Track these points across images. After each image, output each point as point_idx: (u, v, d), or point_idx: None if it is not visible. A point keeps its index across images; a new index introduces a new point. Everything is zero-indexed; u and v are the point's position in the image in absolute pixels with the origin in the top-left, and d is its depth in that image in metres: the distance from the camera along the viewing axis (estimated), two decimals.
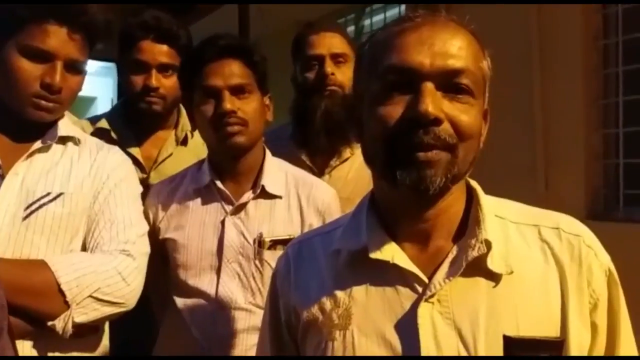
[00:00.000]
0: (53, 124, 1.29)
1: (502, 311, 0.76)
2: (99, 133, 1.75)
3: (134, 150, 1.79)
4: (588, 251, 0.79)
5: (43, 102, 1.22)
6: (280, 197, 1.46)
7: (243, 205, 1.44)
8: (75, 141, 1.32)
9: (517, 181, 2.43)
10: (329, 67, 1.73)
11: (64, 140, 1.30)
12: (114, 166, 1.32)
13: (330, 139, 1.74)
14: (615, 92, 2.33)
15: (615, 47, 2.32)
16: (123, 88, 1.93)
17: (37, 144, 1.26)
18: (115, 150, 1.39)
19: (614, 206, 2.33)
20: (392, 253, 0.79)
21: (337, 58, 1.74)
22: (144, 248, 1.30)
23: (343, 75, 1.73)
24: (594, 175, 2.35)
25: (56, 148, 1.29)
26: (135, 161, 1.68)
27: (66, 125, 1.32)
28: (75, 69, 1.25)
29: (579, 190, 2.33)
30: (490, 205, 0.82)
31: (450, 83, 0.75)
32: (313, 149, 1.76)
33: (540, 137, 2.43)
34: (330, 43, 1.74)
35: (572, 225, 0.82)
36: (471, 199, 0.83)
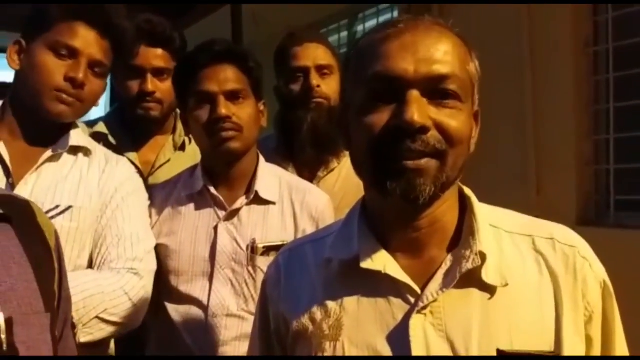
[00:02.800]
0: (65, 131, 1.29)
1: (496, 324, 0.75)
2: (96, 137, 1.74)
3: (132, 156, 1.78)
4: (583, 262, 0.78)
5: (64, 96, 1.23)
6: (274, 203, 1.45)
7: (236, 211, 1.44)
8: (86, 152, 1.33)
9: (509, 187, 2.44)
10: (315, 79, 1.70)
11: (75, 150, 1.31)
12: (122, 180, 1.33)
13: (317, 151, 1.72)
14: (606, 98, 2.34)
15: (605, 54, 2.34)
16: (118, 93, 1.92)
17: (48, 153, 1.26)
18: (124, 162, 1.40)
19: (605, 212, 2.34)
20: (383, 263, 0.78)
21: (322, 70, 1.72)
22: (151, 265, 1.31)
23: (328, 87, 1.71)
24: (585, 181, 2.36)
25: (67, 158, 1.29)
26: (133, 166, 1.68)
27: (78, 134, 1.33)
28: (98, 71, 1.28)
29: (570, 196, 2.34)
30: (485, 214, 0.81)
31: (436, 89, 0.74)
32: (300, 161, 1.74)
33: (532, 143, 2.44)
34: (315, 55, 1.72)
35: (567, 235, 0.81)
36: (465, 208, 0.81)
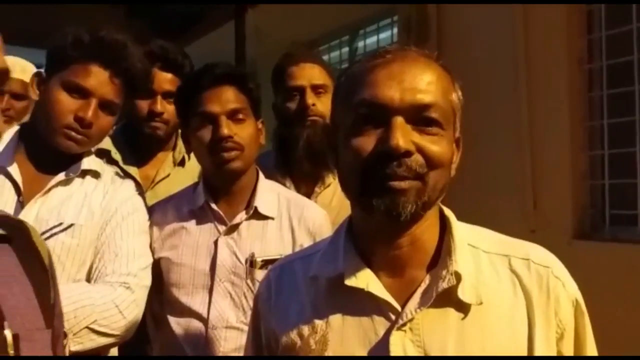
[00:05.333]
0: (78, 158, 1.35)
1: (470, 341, 0.78)
2: (99, 153, 1.80)
3: (133, 170, 1.85)
4: (556, 282, 0.81)
5: (73, 134, 1.30)
6: (272, 218, 1.49)
7: (236, 226, 1.48)
8: (95, 174, 1.39)
9: (506, 201, 2.48)
10: (310, 98, 1.76)
11: (84, 173, 1.37)
12: (123, 199, 1.38)
13: (313, 166, 1.78)
14: (600, 114, 2.38)
15: (600, 71, 2.39)
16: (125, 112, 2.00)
17: (60, 176, 1.32)
18: (128, 183, 1.45)
19: (600, 226, 2.37)
20: (366, 280, 0.81)
21: (317, 89, 1.78)
22: (145, 281, 1.35)
23: (323, 106, 1.76)
24: (581, 195, 2.39)
25: (75, 180, 1.35)
26: (135, 181, 1.73)
27: (91, 160, 1.39)
28: (108, 109, 1.34)
29: (566, 209, 2.37)
30: (464, 234, 0.84)
31: (419, 117, 0.78)
32: (297, 176, 1.80)
33: (528, 158, 2.48)
34: (311, 74, 1.78)
35: (542, 256, 0.84)
36: (445, 228, 0.84)
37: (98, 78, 1.30)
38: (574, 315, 0.82)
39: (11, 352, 0.75)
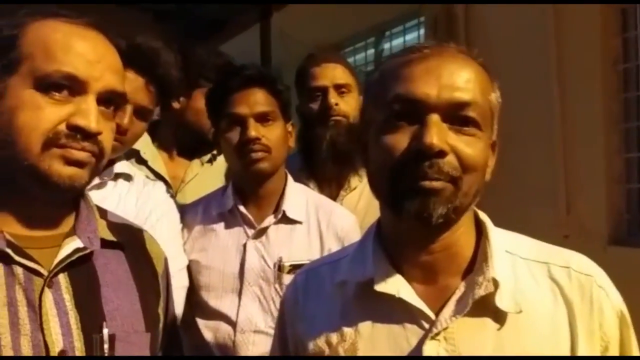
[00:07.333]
0: (111, 163, 1.36)
1: (509, 352, 0.75)
2: (129, 153, 1.82)
3: (162, 170, 1.87)
4: (599, 292, 0.78)
5: None
6: (300, 223, 1.49)
7: (264, 230, 1.47)
8: (127, 177, 1.40)
9: (538, 206, 2.43)
10: (333, 97, 1.75)
11: (116, 176, 1.38)
12: (157, 202, 1.39)
13: (338, 168, 1.76)
14: (636, 116, 2.32)
15: (635, 71, 2.33)
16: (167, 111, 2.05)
17: (94, 180, 1.33)
18: (160, 186, 1.46)
19: (636, 231, 2.30)
20: (397, 287, 0.78)
21: (340, 88, 1.77)
22: (183, 282, 1.36)
23: (347, 105, 1.75)
24: (616, 199, 2.33)
25: (109, 183, 1.36)
26: (164, 181, 1.75)
27: (122, 164, 1.41)
28: (142, 115, 1.34)
29: (600, 214, 2.31)
30: (501, 240, 0.81)
31: (456, 115, 0.74)
32: (321, 179, 1.78)
33: (561, 162, 2.42)
34: (333, 74, 1.77)
35: (583, 264, 0.80)
36: (481, 234, 0.81)
37: (133, 85, 1.30)
38: (619, 327, 0.78)
39: (106, 350, 0.80)
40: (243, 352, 1.42)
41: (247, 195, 1.50)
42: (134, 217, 1.33)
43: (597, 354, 0.76)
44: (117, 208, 1.32)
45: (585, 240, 2.20)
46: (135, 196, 1.37)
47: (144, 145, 1.87)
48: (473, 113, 0.75)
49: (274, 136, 1.44)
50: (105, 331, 0.81)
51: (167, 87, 1.36)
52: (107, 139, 0.84)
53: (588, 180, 2.35)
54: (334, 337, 0.82)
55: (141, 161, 1.81)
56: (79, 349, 0.79)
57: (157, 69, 1.32)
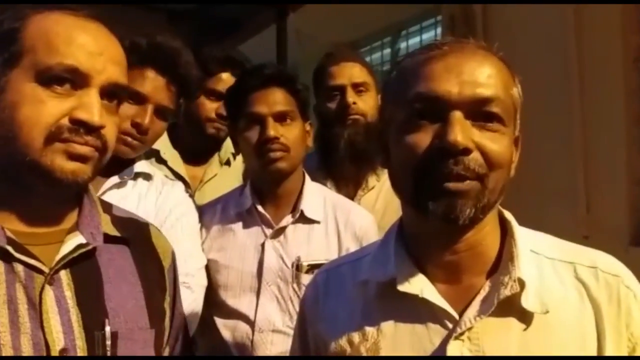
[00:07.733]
0: (131, 161, 1.38)
1: (535, 353, 0.74)
2: (148, 152, 1.84)
3: (181, 170, 1.88)
4: (627, 292, 0.77)
5: (129, 139, 1.32)
6: (318, 222, 1.49)
7: (282, 229, 1.48)
8: (146, 176, 1.41)
9: (558, 205, 2.39)
10: (351, 96, 1.75)
11: (136, 175, 1.39)
12: (176, 202, 1.40)
13: (355, 167, 1.76)
14: None
15: None
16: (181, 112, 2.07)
17: (114, 179, 1.35)
18: (179, 185, 1.48)
19: None
20: (420, 286, 0.78)
21: (358, 87, 1.77)
22: (203, 281, 1.37)
23: (365, 104, 1.75)
24: (637, 199, 2.28)
25: (129, 182, 1.38)
26: (183, 181, 1.77)
27: (142, 163, 1.43)
28: (163, 115, 1.36)
29: (621, 214, 2.27)
30: (526, 240, 0.80)
31: (479, 111, 0.73)
32: (338, 178, 1.78)
33: (581, 160, 2.39)
34: (351, 73, 1.77)
35: (610, 264, 0.79)
36: (506, 232, 0.80)
37: (154, 84, 1.31)
38: None
39: (108, 348, 0.79)
40: (261, 352, 1.42)
41: (265, 195, 1.50)
42: (154, 216, 1.35)
43: (624, 355, 0.75)
44: (137, 207, 1.34)
45: (605, 241, 2.13)
46: (154, 195, 1.39)
47: (164, 145, 1.89)
48: (496, 108, 0.74)
49: (293, 135, 1.45)
50: (108, 328, 0.80)
51: (188, 87, 1.37)
52: (110, 132, 0.82)
53: (609, 179, 2.31)
54: (356, 337, 0.81)
55: (161, 161, 1.83)
56: (81, 347, 0.77)
57: (179, 69, 1.33)
